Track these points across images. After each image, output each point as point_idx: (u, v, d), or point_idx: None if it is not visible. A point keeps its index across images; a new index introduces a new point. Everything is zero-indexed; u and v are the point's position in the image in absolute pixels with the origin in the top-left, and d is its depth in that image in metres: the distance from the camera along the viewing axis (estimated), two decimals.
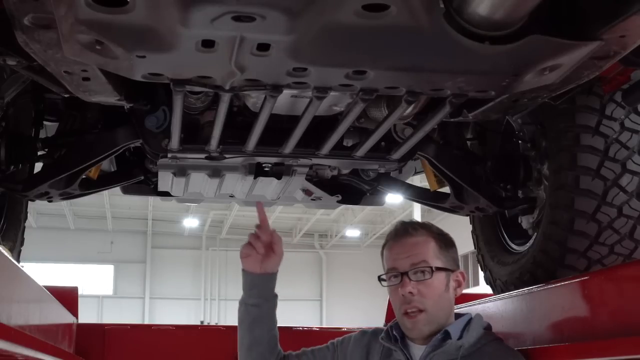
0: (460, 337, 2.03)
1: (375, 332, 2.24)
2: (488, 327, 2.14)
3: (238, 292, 2.34)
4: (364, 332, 2.27)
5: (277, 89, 1.94)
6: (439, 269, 2.06)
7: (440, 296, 2.06)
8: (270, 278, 2.27)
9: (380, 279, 2.14)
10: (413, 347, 2.11)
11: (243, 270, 2.29)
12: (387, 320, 3.73)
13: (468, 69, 1.86)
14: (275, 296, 2.29)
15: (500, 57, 1.74)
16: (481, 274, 3.54)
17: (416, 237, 2.12)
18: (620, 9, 1.58)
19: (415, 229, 2.13)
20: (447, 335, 2.04)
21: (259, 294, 2.27)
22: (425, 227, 2.16)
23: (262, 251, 2.25)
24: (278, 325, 2.31)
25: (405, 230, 2.14)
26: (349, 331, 2.37)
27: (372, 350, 2.19)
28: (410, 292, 2.04)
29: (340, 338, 2.31)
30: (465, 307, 2.95)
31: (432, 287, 2.05)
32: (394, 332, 2.14)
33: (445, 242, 2.14)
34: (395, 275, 2.08)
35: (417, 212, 20.14)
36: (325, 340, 2.35)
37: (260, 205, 2.37)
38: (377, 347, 2.18)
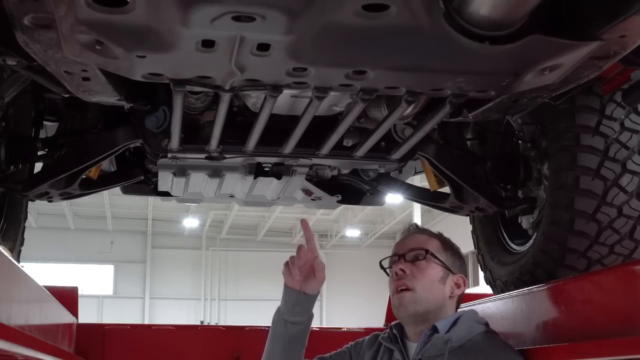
0: (448, 332, 2.07)
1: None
2: (482, 322, 2.16)
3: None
4: (376, 335, 2.31)
5: (277, 89, 1.94)
6: (434, 256, 2.14)
7: (432, 283, 2.12)
8: (311, 298, 2.25)
9: (381, 264, 2.24)
10: (409, 345, 2.16)
11: (285, 285, 2.25)
12: (387, 320, 3.73)
13: (468, 69, 1.86)
14: (312, 315, 2.28)
15: (500, 57, 1.74)
16: (481, 274, 3.54)
17: (423, 234, 2.26)
18: (620, 9, 1.58)
19: (424, 229, 2.30)
20: (434, 330, 2.08)
21: (302, 311, 2.25)
22: (434, 232, 2.28)
23: (299, 278, 2.22)
24: None
25: (415, 228, 2.31)
26: (349, 331, 2.39)
27: (379, 351, 2.23)
28: (402, 270, 2.13)
29: (354, 342, 2.35)
30: (466, 306, 2.95)
31: (424, 272, 2.12)
32: (394, 331, 2.19)
33: (449, 246, 2.23)
34: (394, 259, 2.19)
35: (417, 212, 20.14)
36: (325, 340, 2.37)
37: (305, 223, 2.31)
38: (383, 348, 2.22)
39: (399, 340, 2.17)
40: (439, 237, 2.25)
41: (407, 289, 2.10)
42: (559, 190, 2.68)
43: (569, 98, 2.55)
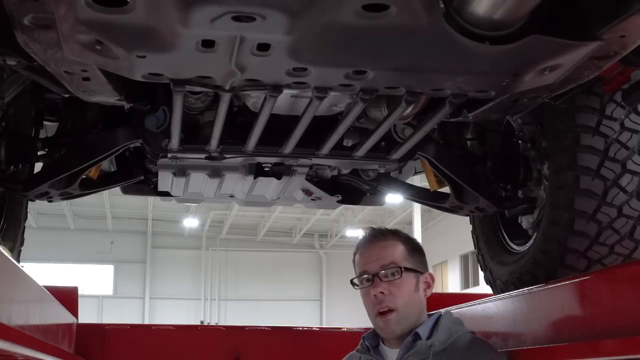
0: (429, 337, 2.08)
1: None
2: (458, 322, 2.18)
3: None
4: (352, 356, 2.30)
5: (277, 89, 1.94)
6: (407, 269, 2.13)
7: (411, 296, 2.13)
8: None
9: (352, 282, 2.19)
10: (388, 352, 2.17)
11: None
12: None
13: (468, 69, 1.86)
14: None
15: (500, 57, 1.74)
16: (481, 274, 3.54)
17: (385, 241, 2.19)
18: (620, 9, 1.59)
19: (383, 234, 2.21)
20: (417, 337, 2.09)
21: None
22: (393, 232, 2.23)
23: None
24: (276, 325, 2.31)
25: (374, 236, 2.22)
26: (349, 331, 2.38)
27: None
28: (382, 292, 2.11)
29: None
30: (466, 306, 2.95)
31: (402, 287, 2.11)
32: (367, 343, 2.20)
33: (413, 246, 2.21)
34: (367, 279, 2.14)
35: (417, 212, 20.13)
36: (325, 340, 2.36)
37: None
38: None
39: (372, 350, 2.18)
40: (402, 239, 2.20)
41: (391, 310, 2.10)
42: (559, 190, 2.68)
43: (569, 98, 2.55)
